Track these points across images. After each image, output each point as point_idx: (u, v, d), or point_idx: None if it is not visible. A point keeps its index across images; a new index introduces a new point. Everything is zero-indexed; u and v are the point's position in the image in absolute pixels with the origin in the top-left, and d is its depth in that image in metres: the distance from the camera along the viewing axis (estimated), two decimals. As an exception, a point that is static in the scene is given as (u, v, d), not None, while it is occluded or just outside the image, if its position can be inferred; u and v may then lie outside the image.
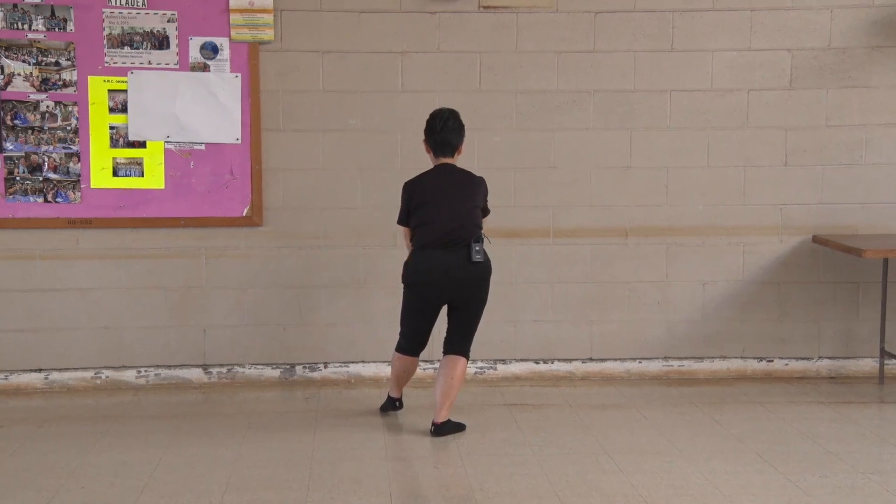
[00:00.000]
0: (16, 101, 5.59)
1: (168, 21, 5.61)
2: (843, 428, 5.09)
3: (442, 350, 5.04)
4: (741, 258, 6.02)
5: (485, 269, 4.86)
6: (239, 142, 5.71)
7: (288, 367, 5.93)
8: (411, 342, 5.05)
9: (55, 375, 5.81)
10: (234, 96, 5.67)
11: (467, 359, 4.97)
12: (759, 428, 5.09)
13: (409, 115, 5.73)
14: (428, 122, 4.94)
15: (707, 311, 6.05)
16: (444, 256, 4.80)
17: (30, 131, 5.60)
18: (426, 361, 5.80)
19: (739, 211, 5.99)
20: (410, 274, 4.90)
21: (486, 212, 5.03)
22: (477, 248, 4.78)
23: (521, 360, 6.03)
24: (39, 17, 5.53)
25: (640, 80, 5.87)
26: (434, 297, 4.89)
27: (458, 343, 4.95)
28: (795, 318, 6.08)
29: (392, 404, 5.32)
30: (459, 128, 4.93)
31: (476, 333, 5.03)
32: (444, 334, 5.04)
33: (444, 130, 4.87)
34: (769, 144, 5.95)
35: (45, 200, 5.65)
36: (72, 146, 5.64)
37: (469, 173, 4.96)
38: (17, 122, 5.60)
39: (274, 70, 5.71)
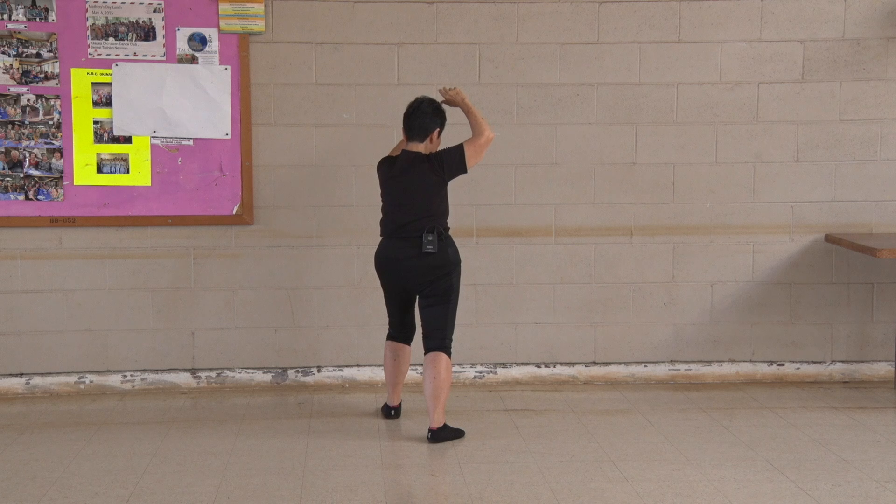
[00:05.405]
0: (-4, 94, 5.59)
1: (154, 11, 5.55)
2: (857, 434, 5.06)
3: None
4: (751, 258, 5.97)
5: (439, 258, 4.89)
6: (228, 137, 5.66)
7: (280, 371, 5.87)
8: (393, 327, 5.21)
9: (37, 380, 5.76)
10: (223, 89, 5.62)
11: (448, 354, 4.95)
12: (770, 434, 5.06)
13: (405, 109, 5.58)
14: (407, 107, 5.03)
15: (715, 312, 6.00)
16: (398, 245, 4.94)
17: (10, 126, 5.56)
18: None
19: (749, 209, 5.94)
20: (375, 261, 5.08)
21: (463, 169, 4.92)
22: (429, 239, 4.86)
23: (522, 363, 5.97)
24: (20, 6, 5.49)
25: (646, 72, 5.82)
26: (394, 284, 5.04)
27: (433, 338, 4.95)
28: (807, 320, 6.04)
29: (387, 412, 5.31)
30: (434, 114, 4.93)
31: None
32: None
33: (415, 113, 4.93)
34: (780, 140, 5.91)
35: (27, 198, 5.60)
36: (54, 141, 5.59)
37: (426, 157, 4.93)
38: (-4, 116, 5.60)
39: (265, 62, 5.67)
